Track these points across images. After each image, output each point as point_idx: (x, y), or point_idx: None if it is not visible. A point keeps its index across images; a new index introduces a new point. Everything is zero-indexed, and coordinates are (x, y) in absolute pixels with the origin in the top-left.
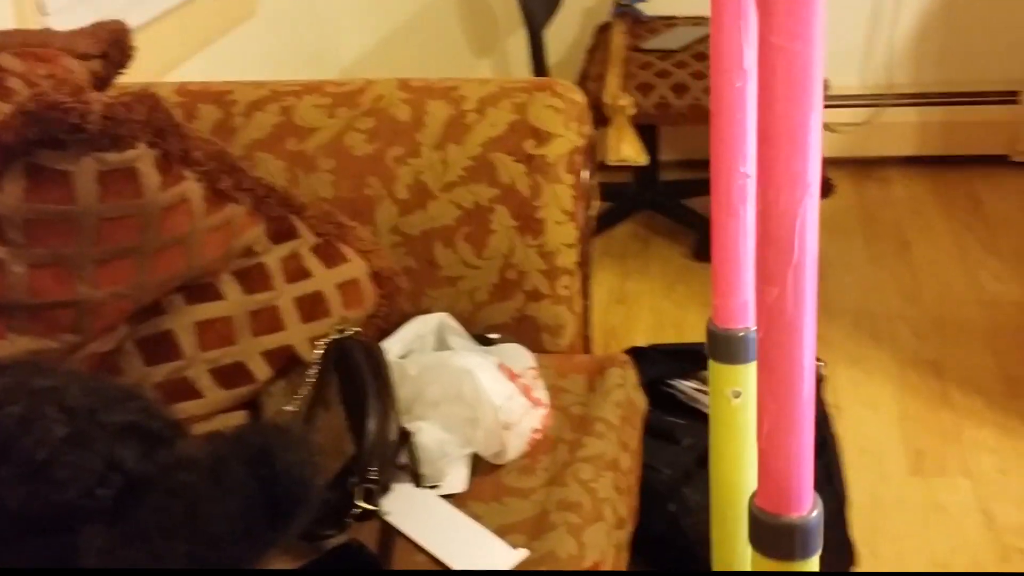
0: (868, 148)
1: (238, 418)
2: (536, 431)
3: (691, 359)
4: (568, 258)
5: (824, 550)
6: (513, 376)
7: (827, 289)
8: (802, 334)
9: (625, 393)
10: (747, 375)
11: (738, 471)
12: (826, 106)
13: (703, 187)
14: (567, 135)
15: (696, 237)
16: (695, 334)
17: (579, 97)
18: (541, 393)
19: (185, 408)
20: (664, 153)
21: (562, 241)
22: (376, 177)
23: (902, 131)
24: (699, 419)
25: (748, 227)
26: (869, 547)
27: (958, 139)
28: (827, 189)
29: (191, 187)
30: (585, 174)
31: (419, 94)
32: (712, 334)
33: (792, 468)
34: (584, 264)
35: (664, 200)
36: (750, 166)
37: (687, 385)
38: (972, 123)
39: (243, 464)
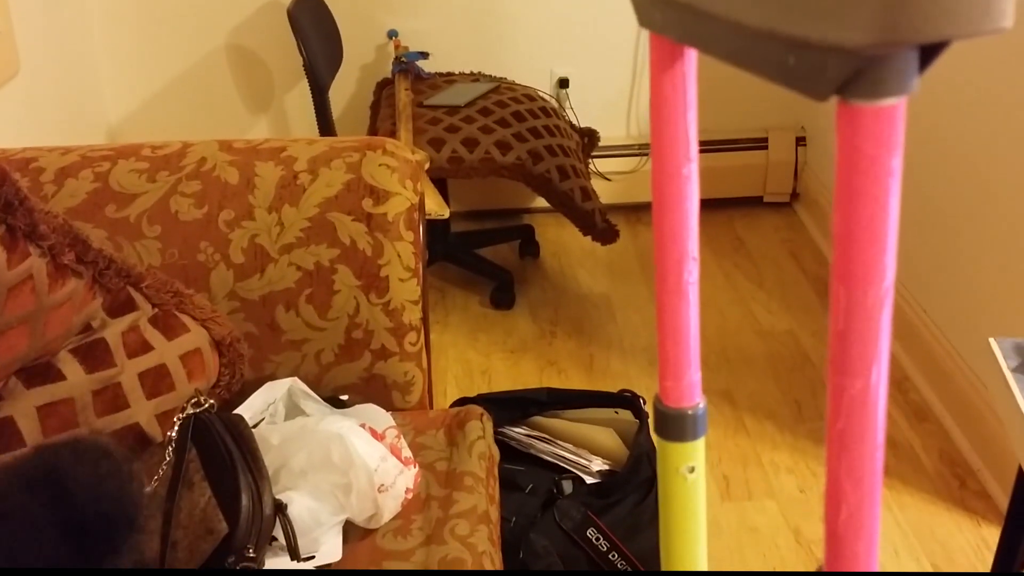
0: (637, 194)
1: None
2: (408, 491)
3: (519, 407)
4: (413, 314)
5: None
6: (378, 437)
7: (619, 329)
8: (878, 423)
9: (486, 445)
10: (697, 450)
11: (692, 544)
12: (598, 156)
13: (493, 236)
14: (404, 193)
15: (491, 285)
16: (504, 381)
17: (410, 155)
18: (408, 452)
19: None
20: (451, 205)
21: (406, 298)
22: (208, 242)
23: None
24: (536, 465)
25: (695, 309)
26: None
27: (717, 183)
28: (613, 235)
29: (36, 263)
30: (421, 231)
31: (245, 155)
32: (661, 414)
33: (868, 546)
34: (425, 319)
35: (456, 251)
36: (696, 249)
37: (518, 432)
38: (728, 168)
39: (24, 491)
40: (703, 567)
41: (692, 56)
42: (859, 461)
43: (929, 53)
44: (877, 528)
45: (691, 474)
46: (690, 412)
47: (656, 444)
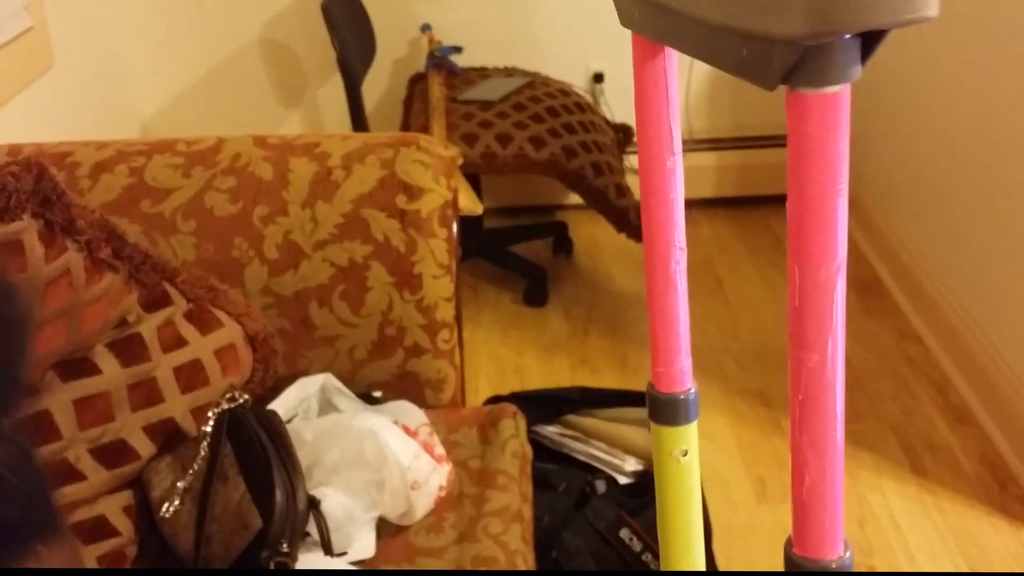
0: None
1: (124, 499)
2: (442, 488)
3: (552, 405)
4: (446, 312)
5: None
6: (411, 434)
7: None
8: (837, 394)
9: (519, 443)
10: (690, 434)
11: (687, 527)
12: (632, 152)
13: (526, 233)
14: (437, 189)
15: (524, 282)
16: (537, 379)
17: (444, 151)
18: (441, 449)
19: (68, 492)
20: (484, 201)
21: (440, 295)
22: (242, 237)
23: (702, 175)
24: (569, 464)
25: (684, 297)
26: None
27: (753, 180)
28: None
29: (73, 258)
30: (455, 227)
31: (279, 151)
32: (654, 400)
33: (833, 517)
34: (458, 316)
35: (489, 248)
36: (683, 239)
37: (551, 431)
38: (764, 165)
39: None
40: (699, 546)
41: (672, 55)
42: (820, 431)
43: (871, 42)
44: (840, 497)
45: (684, 457)
46: (682, 397)
47: (651, 429)
